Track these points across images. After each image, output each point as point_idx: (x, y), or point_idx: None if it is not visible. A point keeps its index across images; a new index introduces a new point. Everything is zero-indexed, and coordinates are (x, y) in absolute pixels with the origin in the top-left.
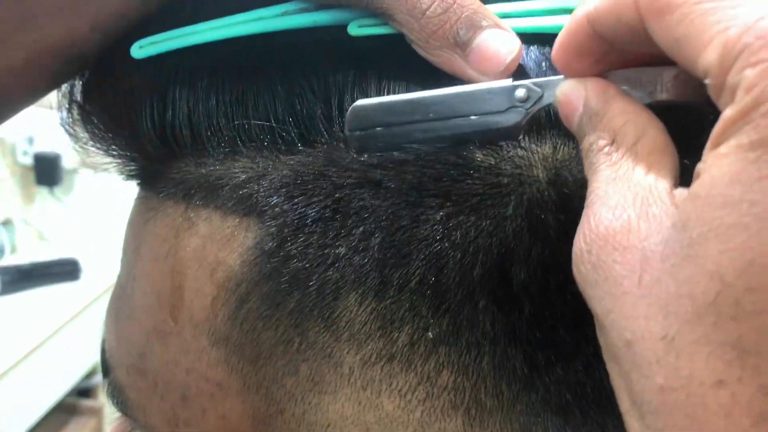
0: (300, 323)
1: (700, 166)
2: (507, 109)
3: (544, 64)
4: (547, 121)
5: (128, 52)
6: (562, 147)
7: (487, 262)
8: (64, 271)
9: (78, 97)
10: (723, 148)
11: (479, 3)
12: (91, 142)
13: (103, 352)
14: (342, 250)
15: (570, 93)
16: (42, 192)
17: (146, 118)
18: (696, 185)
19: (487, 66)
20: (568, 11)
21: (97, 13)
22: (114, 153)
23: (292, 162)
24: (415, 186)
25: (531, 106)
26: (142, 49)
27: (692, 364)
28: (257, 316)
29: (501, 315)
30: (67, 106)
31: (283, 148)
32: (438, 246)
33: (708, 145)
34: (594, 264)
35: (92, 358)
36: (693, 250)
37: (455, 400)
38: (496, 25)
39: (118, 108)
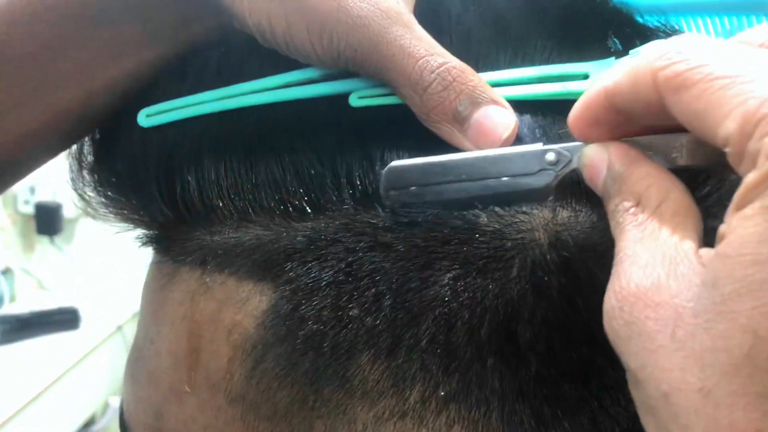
0: (315, 382)
1: (723, 227)
2: (537, 172)
3: (537, 131)
4: None
5: (135, 117)
6: (560, 210)
7: (494, 321)
8: (64, 320)
9: (88, 161)
10: (748, 210)
11: (478, 79)
12: (103, 207)
13: (122, 413)
14: (355, 312)
15: (594, 157)
16: (42, 241)
17: (155, 189)
18: (723, 245)
19: (485, 141)
20: (558, 78)
21: (112, 75)
22: (127, 219)
23: (304, 228)
24: (424, 249)
25: (561, 169)
26: (149, 117)
27: (731, 414)
28: (273, 376)
29: (508, 372)
30: (76, 167)
31: (294, 215)
32: (447, 307)
33: (731, 208)
34: (627, 320)
35: (90, 407)
36: (726, 306)
37: None
38: (493, 101)
39: (127, 177)
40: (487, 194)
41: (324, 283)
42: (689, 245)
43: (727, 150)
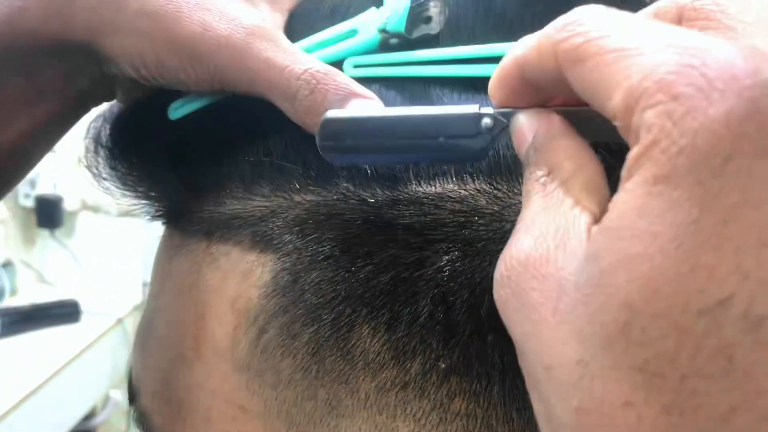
0: (316, 352)
1: (610, 202)
2: (475, 135)
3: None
4: None
5: (151, 100)
6: None
7: (493, 300)
8: (65, 312)
9: (104, 140)
10: (629, 184)
11: (343, 77)
12: (115, 184)
13: (130, 379)
14: (353, 287)
15: (523, 125)
16: (43, 234)
17: (167, 163)
18: (606, 218)
19: None
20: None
21: (5, 137)
22: (138, 194)
23: (305, 201)
24: (420, 231)
25: (497, 134)
26: (177, 110)
27: (604, 387)
28: (276, 345)
29: (509, 348)
30: (93, 148)
31: (296, 187)
32: (445, 287)
33: (620, 181)
34: (513, 290)
35: (91, 400)
36: (603, 279)
37: (468, 425)
38: (355, 94)
39: (142, 153)
40: (422, 154)
41: (322, 257)
42: (585, 219)
43: (616, 124)
